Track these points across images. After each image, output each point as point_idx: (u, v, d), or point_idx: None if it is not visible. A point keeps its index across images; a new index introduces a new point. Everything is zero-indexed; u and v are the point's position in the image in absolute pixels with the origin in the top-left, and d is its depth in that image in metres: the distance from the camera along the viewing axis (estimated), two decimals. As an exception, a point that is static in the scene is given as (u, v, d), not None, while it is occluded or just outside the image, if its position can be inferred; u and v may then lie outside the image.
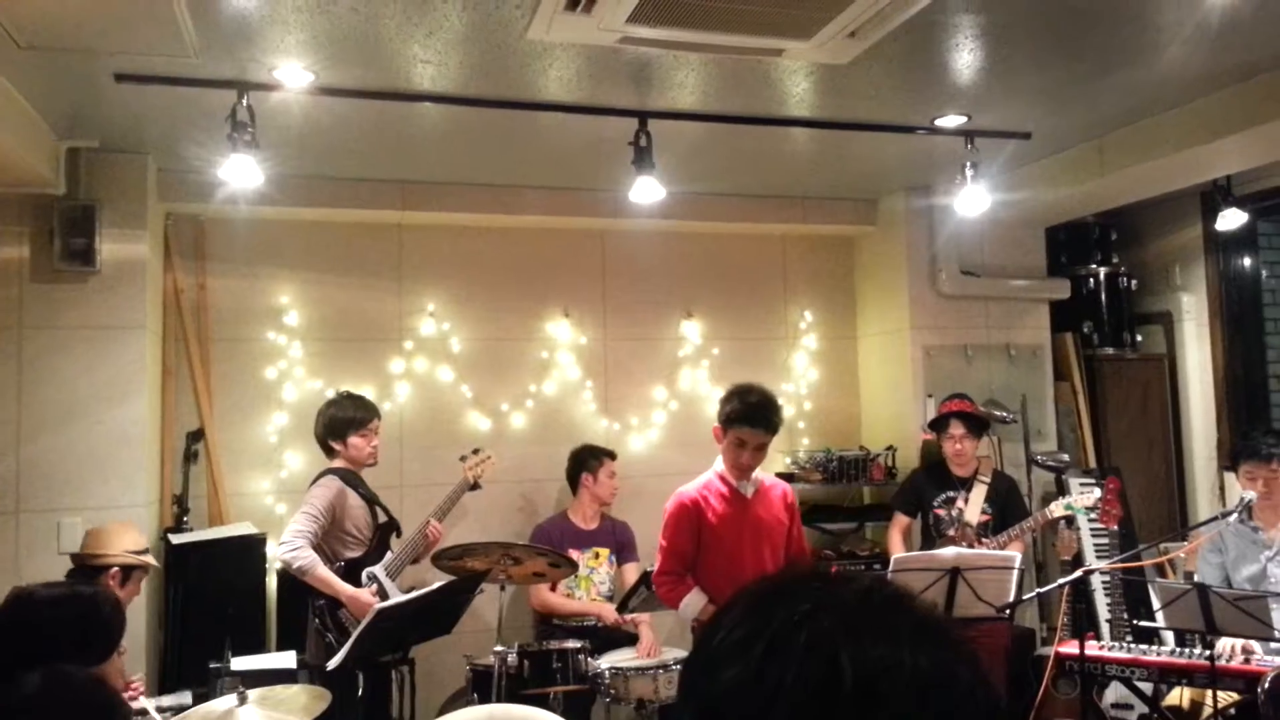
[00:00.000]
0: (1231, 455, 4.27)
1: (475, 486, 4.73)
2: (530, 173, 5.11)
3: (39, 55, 3.39)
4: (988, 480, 4.78)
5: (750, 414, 3.62)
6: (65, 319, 4.43)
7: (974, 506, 4.72)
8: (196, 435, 4.89)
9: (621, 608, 4.42)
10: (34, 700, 1.75)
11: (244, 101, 3.66)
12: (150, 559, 3.60)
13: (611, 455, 5.12)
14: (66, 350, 4.42)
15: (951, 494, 4.80)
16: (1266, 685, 3.44)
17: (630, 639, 4.65)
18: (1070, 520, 4.73)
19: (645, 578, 4.10)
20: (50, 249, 4.39)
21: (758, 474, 3.82)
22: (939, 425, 4.89)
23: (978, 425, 4.83)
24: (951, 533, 4.69)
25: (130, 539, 3.54)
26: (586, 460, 5.05)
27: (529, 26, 3.22)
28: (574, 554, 4.73)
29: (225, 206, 4.78)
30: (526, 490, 5.41)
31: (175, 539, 4.53)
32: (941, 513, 4.80)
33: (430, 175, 5.10)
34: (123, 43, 3.32)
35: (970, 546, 4.51)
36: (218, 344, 5.03)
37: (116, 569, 3.40)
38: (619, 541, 5.07)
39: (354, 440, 4.31)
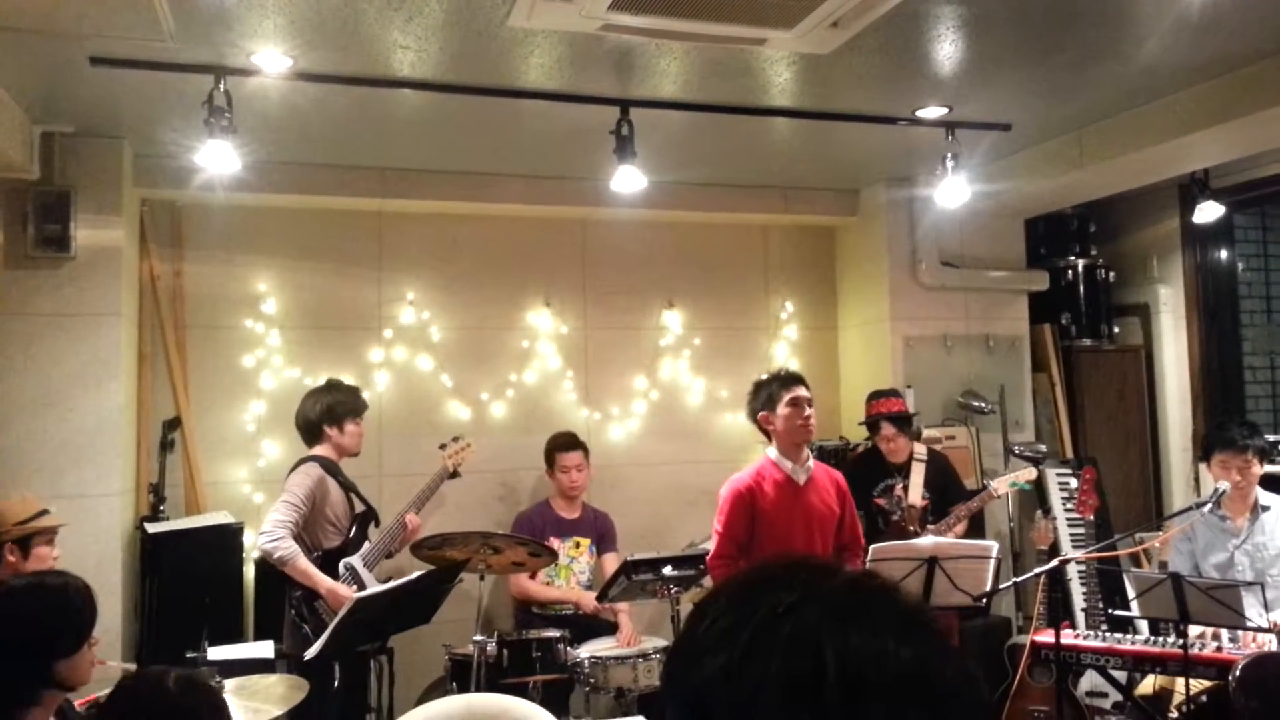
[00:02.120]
0: (1204, 445, 4.31)
1: (455, 474, 4.71)
2: (511, 161, 5.08)
3: (12, 37, 3.34)
4: (924, 459, 4.80)
5: (789, 376, 3.87)
6: (39, 306, 4.38)
7: (914, 490, 4.75)
8: (173, 423, 4.85)
9: (601, 597, 4.43)
10: (170, 701, 1.95)
11: (221, 86, 3.62)
12: (52, 519, 3.28)
13: (571, 446, 4.99)
14: (41, 337, 4.37)
15: (890, 481, 4.84)
16: (1238, 673, 3.48)
17: (610, 628, 4.66)
18: (1047, 510, 4.77)
19: (625, 567, 4.10)
20: (24, 235, 4.34)
21: (811, 461, 3.87)
22: (870, 426, 4.93)
23: (905, 422, 4.87)
24: (895, 518, 4.73)
25: (16, 510, 3.23)
26: (549, 454, 5.02)
27: (510, 13, 3.20)
28: (555, 543, 4.73)
29: (202, 192, 4.72)
30: (506, 479, 5.40)
31: (151, 528, 4.50)
32: (882, 501, 4.84)
33: (410, 162, 5.06)
34: (98, 25, 3.27)
35: (916, 532, 4.55)
36: (194, 331, 4.98)
37: (10, 544, 3.12)
38: (599, 531, 5.06)
39: (350, 428, 4.30)
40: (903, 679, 0.72)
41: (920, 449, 4.85)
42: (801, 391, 3.80)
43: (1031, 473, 4.60)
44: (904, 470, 4.81)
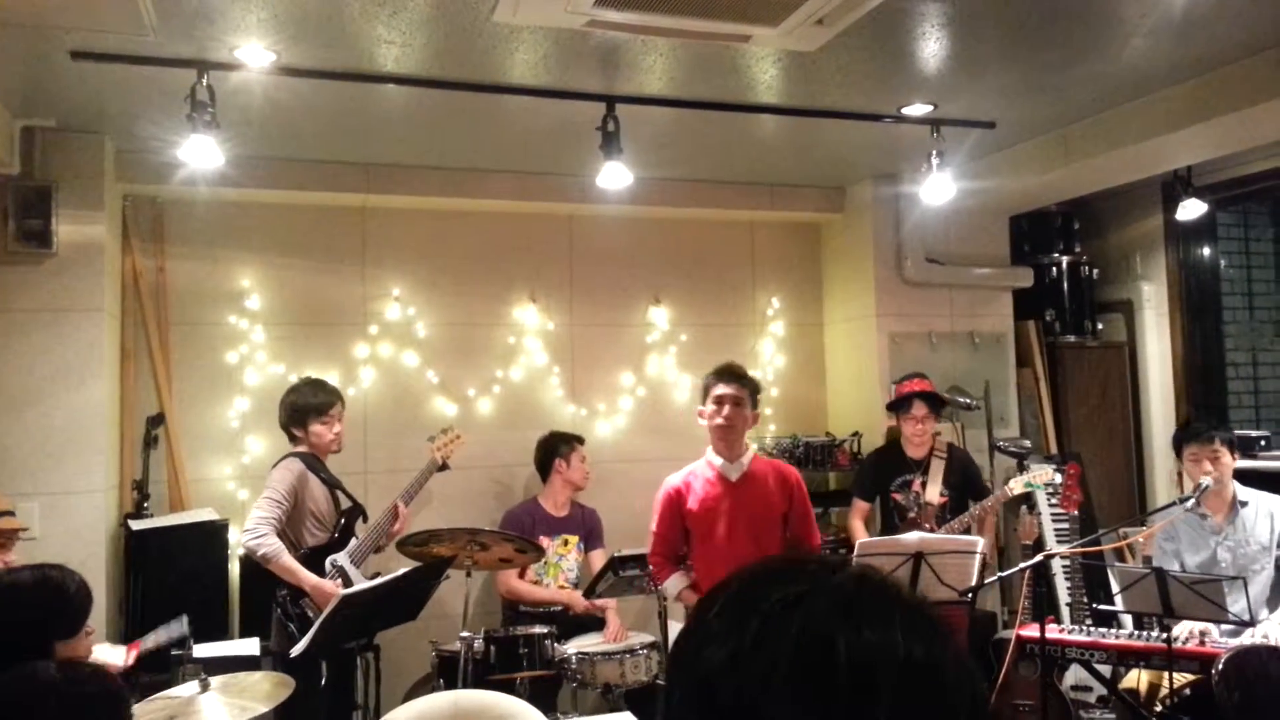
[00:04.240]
0: (1175, 443, 4.32)
1: (444, 467, 4.69)
2: (497, 156, 5.07)
3: (-9, 31, 3.31)
4: (944, 457, 4.80)
5: (717, 372, 3.84)
6: (21, 301, 4.34)
7: (933, 487, 4.75)
8: (156, 420, 4.82)
9: (589, 593, 4.43)
10: (50, 688, 1.84)
11: (204, 81, 3.60)
12: (15, 521, 3.33)
13: (580, 440, 5.12)
14: (22, 333, 4.34)
15: (908, 476, 4.83)
16: (1220, 666, 3.51)
17: (597, 624, 4.66)
18: (1031, 505, 4.78)
19: (613, 563, 4.11)
20: (5, 230, 4.30)
21: (753, 456, 3.85)
22: (899, 406, 4.91)
23: (938, 403, 4.87)
24: (912, 515, 4.73)
25: None
26: (558, 447, 5.04)
27: (495, 8, 3.19)
28: (544, 540, 4.73)
29: (185, 188, 4.70)
30: (494, 476, 5.40)
31: (136, 525, 4.47)
32: (899, 497, 4.83)
33: (395, 158, 5.04)
34: (79, 19, 3.24)
35: (932, 529, 4.55)
36: (178, 328, 4.95)
37: None
38: (587, 528, 5.07)
39: (315, 428, 4.26)
40: (911, 673, 0.73)
41: (941, 445, 4.85)
42: (722, 389, 3.78)
43: (1048, 473, 4.53)
44: (923, 466, 4.81)
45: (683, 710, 0.78)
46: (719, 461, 3.80)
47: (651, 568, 3.91)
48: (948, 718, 0.74)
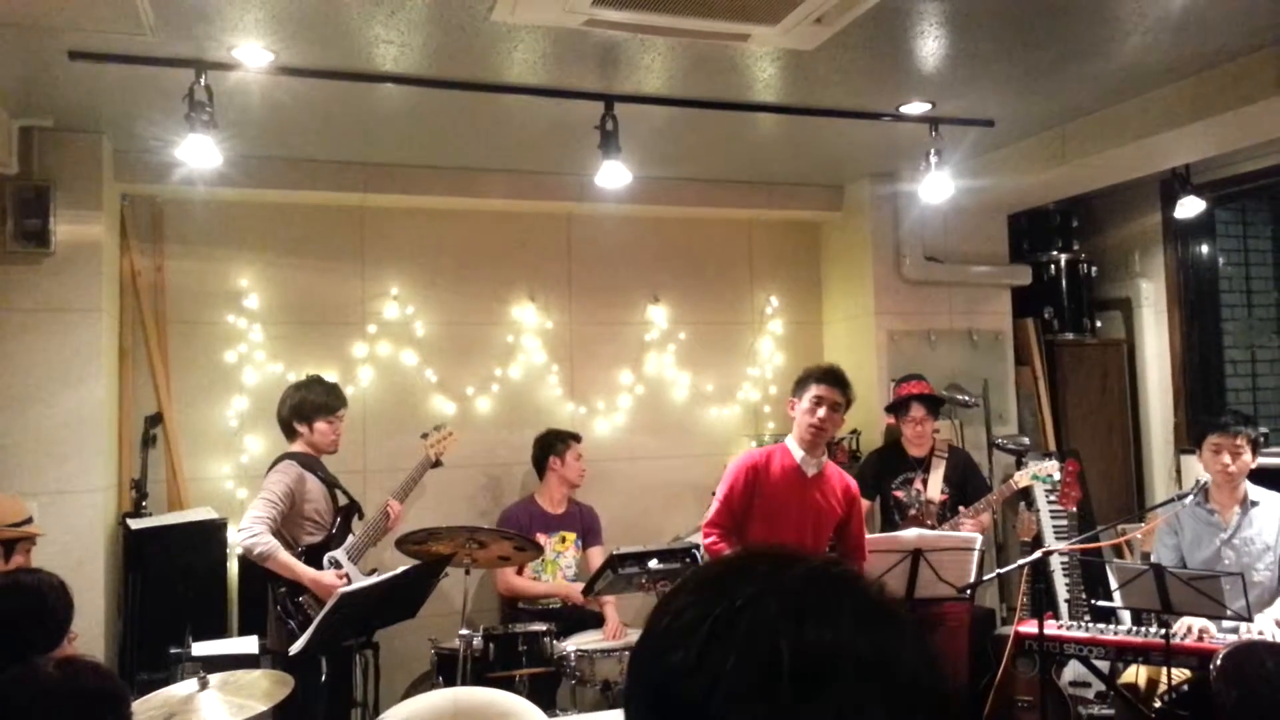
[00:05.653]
0: (1197, 431, 4.27)
1: (437, 464, 4.69)
2: (495, 156, 5.07)
3: (-11, 30, 3.31)
4: (945, 456, 4.84)
5: (823, 372, 3.80)
6: (19, 301, 4.35)
7: (934, 486, 4.77)
8: (155, 419, 4.82)
9: (587, 590, 4.43)
10: (49, 687, 1.80)
11: (202, 81, 3.60)
12: (34, 529, 3.35)
13: (576, 438, 5.12)
14: (21, 333, 4.34)
15: (909, 475, 4.85)
16: (1218, 662, 3.51)
17: (596, 621, 4.67)
18: (1030, 502, 4.79)
19: (611, 561, 4.11)
20: (3, 230, 4.31)
21: (826, 459, 3.85)
22: (898, 408, 4.94)
23: (936, 404, 4.90)
24: (913, 513, 4.75)
25: (7, 510, 3.30)
26: (553, 444, 5.05)
27: (493, 7, 3.19)
28: (541, 538, 4.73)
29: (183, 187, 4.70)
30: (492, 474, 5.40)
31: (134, 524, 4.47)
32: (900, 494, 4.85)
33: (393, 157, 5.04)
34: (77, 19, 3.24)
35: (933, 526, 4.56)
36: (176, 327, 4.95)
37: None
38: (585, 526, 5.07)
39: (320, 426, 4.26)
40: (860, 668, 0.72)
41: (942, 445, 4.87)
42: (824, 391, 3.73)
43: (1054, 466, 4.56)
44: (924, 464, 4.83)
45: (641, 714, 0.78)
46: (799, 454, 3.78)
47: (706, 535, 3.79)
48: (903, 714, 0.73)
